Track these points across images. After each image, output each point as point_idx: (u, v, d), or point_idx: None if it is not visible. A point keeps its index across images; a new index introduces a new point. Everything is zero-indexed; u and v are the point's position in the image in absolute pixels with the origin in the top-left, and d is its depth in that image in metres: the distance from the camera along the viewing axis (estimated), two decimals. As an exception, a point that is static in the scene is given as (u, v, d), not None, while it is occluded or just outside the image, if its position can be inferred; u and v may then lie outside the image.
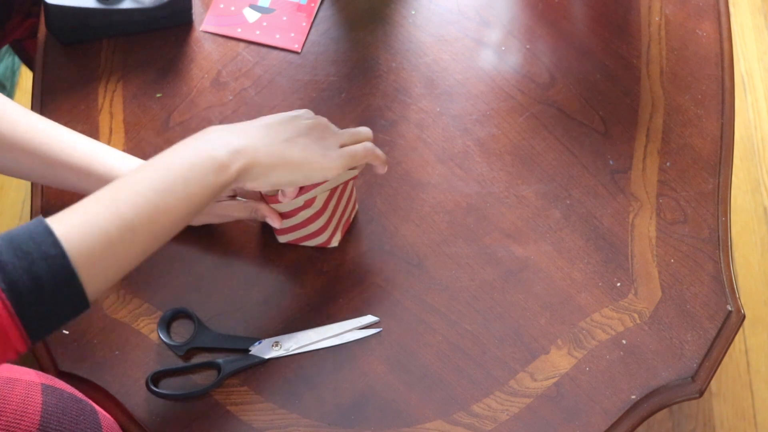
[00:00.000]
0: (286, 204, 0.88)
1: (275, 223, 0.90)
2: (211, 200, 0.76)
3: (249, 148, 0.78)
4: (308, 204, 0.89)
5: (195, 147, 0.76)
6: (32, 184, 1.01)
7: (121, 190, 0.71)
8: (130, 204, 0.70)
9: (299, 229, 0.93)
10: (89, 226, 0.68)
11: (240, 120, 0.98)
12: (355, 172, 0.89)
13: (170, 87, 1.07)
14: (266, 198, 0.90)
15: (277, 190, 0.87)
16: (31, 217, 0.99)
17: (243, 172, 0.77)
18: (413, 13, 1.12)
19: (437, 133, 1.03)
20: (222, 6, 1.13)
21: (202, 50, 1.09)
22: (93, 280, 0.68)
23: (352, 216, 0.97)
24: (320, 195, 0.88)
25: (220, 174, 0.75)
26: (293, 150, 0.81)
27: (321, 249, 0.96)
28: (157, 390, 0.89)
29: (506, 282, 0.95)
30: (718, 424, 1.48)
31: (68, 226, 0.67)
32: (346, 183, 0.91)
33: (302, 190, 0.87)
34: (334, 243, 0.96)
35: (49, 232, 0.66)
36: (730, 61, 1.09)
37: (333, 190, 0.90)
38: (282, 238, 0.95)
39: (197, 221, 0.94)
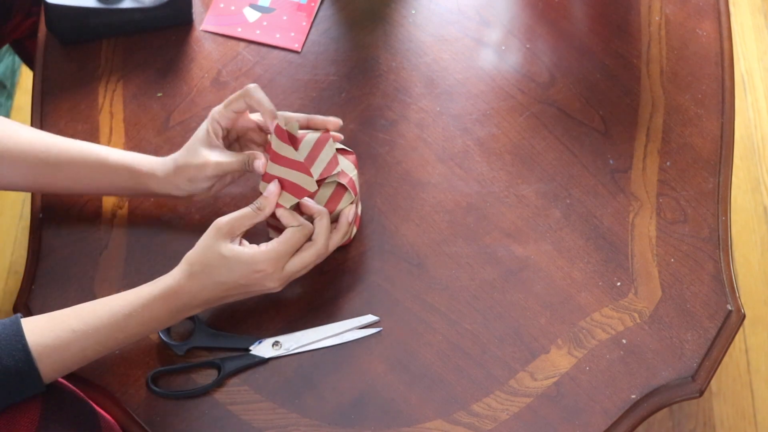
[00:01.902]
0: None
1: (262, 168, 0.90)
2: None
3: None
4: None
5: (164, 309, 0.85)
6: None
7: (92, 331, 0.82)
8: (95, 341, 0.83)
9: None
10: (60, 349, 0.81)
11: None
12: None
13: (170, 86, 1.07)
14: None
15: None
16: (31, 217, 0.99)
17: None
18: (413, 12, 1.12)
19: (437, 133, 1.03)
20: (222, 5, 1.13)
21: (202, 50, 1.09)
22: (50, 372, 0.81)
23: (352, 236, 0.96)
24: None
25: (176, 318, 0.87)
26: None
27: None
28: (157, 389, 0.89)
29: (506, 281, 0.95)
30: (718, 424, 1.48)
31: (38, 335, 0.80)
32: (349, 180, 0.91)
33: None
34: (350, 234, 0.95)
35: (18, 329, 0.79)
36: (730, 61, 1.09)
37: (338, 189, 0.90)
38: None
39: (193, 191, 0.93)
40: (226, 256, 0.84)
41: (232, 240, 0.85)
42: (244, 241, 0.87)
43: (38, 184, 0.94)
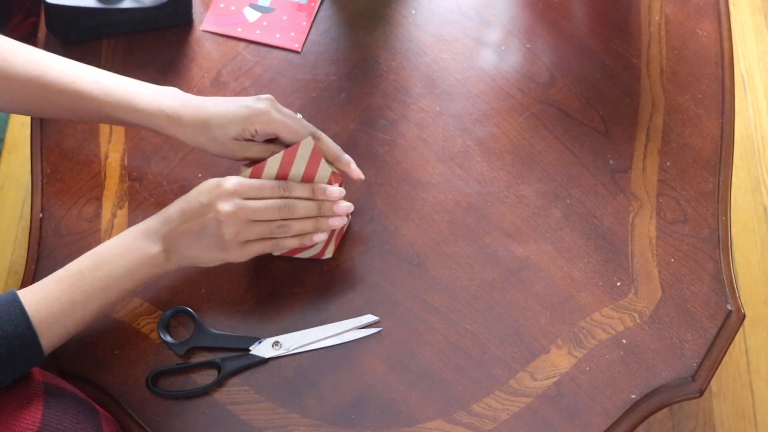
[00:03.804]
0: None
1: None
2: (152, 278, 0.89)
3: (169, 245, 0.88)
4: None
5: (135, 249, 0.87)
6: (32, 185, 1.01)
7: (76, 289, 0.84)
8: (86, 300, 0.84)
9: None
10: (53, 310, 0.82)
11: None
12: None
13: (170, 86, 1.07)
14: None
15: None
16: (31, 217, 0.99)
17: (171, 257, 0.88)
18: (413, 12, 1.12)
19: (437, 133, 1.03)
20: (222, 5, 1.13)
21: (202, 50, 1.09)
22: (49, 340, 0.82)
23: (345, 227, 0.97)
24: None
25: (156, 267, 0.88)
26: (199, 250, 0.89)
27: (321, 248, 0.96)
28: (157, 389, 0.89)
29: (506, 281, 0.95)
30: (718, 424, 1.48)
31: (34, 303, 0.81)
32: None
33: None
34: (328, 254, 0.95)
35: (16, 301, 0.80)
36: (730, 61, 1.09)
37: None
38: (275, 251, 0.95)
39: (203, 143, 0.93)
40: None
41: None
42: None
43: (33, 111, 0.96)
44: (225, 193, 0.87)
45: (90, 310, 0.84)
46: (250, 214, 0.87)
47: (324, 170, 0.91)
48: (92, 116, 0.94)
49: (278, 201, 0.88)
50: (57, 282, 0.83)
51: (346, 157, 0.94)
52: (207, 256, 0.88)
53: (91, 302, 0.84)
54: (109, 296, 0.85)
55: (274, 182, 0.89)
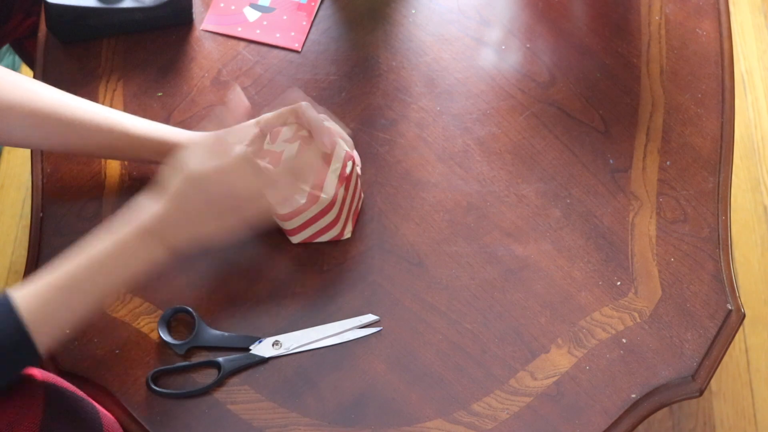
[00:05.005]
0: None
1: None
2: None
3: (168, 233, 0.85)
4: (314, 199, 0.89)
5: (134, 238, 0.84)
6: (32, 185, 1.01)
7: (72, 293, 0.81)
8: (83, 301, 0.82)
9: (311, 225, 0.93)
10: (48, 310, 0.80)
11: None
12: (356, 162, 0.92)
13: (171, 86, 1.07)
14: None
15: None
16: (32, 217, 0.99)
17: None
18: (413, 12, 1.12)
19: (437, 132, 1.04)
20: (222, 5, 1.13)
21: (203, 49, 1.09)
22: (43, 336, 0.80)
23: (360, 204, 0.97)
24: (329, 186, 0.89)
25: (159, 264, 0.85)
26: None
27: (321, 248, 0.96)
28: (157, 389, 0.89)
29: (506, 281, 0.95)
30: (718, 423, 1.48)
31: (26, 305, 0.79)
32: (352, 171, 0.91)
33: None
34: (347, 234, 0.96)
35: (6, 302, 0.78)
36: (730, 60, 1.09)
37: (341, 180, 0.90)
38: (295, 238, 0.95)
39: None
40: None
41: None
42: None
43: (59, 147, 0.96)
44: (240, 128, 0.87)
45: (86, 309, 0.83)
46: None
47: (340, 149, 0.91)
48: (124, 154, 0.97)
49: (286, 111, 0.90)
50: (51, 285, 0.81)
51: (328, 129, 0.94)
52: (221, 222, 0.86)
53: (87, 303, 0.83)
54: (106, 294, 0.84)
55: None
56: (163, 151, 0.94)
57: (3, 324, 0.77)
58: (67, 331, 0.82)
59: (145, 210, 0.84)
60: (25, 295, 0.80)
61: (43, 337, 0.79)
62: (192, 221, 0.85)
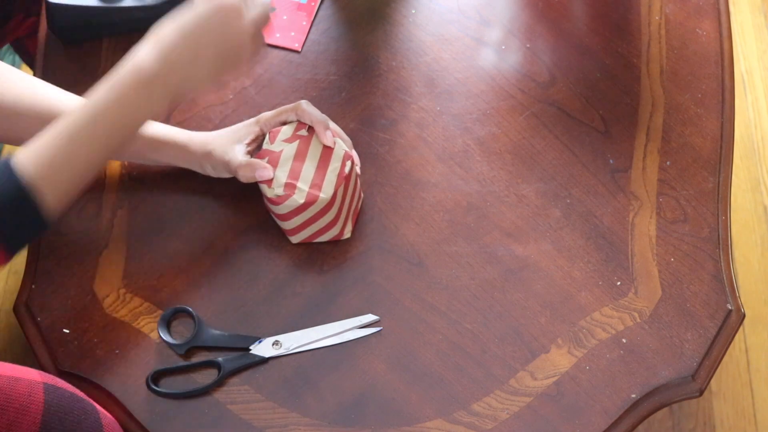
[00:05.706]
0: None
1: (265, 172, 0.92)
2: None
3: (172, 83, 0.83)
4: (313, 199, 0.89)
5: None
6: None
7: (74, 133, 0.79)
8: (87, 153, 0.79)
9: (310, 224, 0.93)
10: (54, 164, 0.77)
11: (241, 120, 0.99)
12: (353, 158, 0.93)
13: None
14: (270, 200, 0.91)
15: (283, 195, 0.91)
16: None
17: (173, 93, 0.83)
18: (413, 12, 1.12)
19: (437, 132, 1.04)
20: (222, 5, 1.13)
21: (203, 49, 1.09)
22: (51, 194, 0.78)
23: (360, 204, 0.97)
24: (328, 185, 0.90)
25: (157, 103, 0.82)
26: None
27: (321, 248, 0.96)
28: (157, 389, 0.89)
29: (506, 281, 0.95)
30: (718, 423, 1.48)
31: (28, 157, 0.77)
32: (351, 170, 0.92)
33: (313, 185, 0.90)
34: (347, 234, 0.96)
35: (7, 164, 0.76)
36: (730, 60, 1.09)
37: (340, 179, 0.90)
38: (294, 238, 0.95)
39: (213, 175, 0.97)
40: None
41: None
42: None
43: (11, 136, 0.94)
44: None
45: (90, 164, 0.81)
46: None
47: (339, 148, 0.92)
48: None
49: None
50: (52, 141, 0.78)
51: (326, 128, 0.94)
52: (222, 61, 0.84)
53: (90, 157, 0.80)
54: (109, 148, 0.81)
55: None
56: (162, 150, 0.95)
57: (4, 186, 0.75)
58: (73, 194, 0.80)
59: (139, 58, 0.81)
60: (27, 155, 0.77)
61: (48, 197, 0.77)
62: (186, 66, 0.82)
